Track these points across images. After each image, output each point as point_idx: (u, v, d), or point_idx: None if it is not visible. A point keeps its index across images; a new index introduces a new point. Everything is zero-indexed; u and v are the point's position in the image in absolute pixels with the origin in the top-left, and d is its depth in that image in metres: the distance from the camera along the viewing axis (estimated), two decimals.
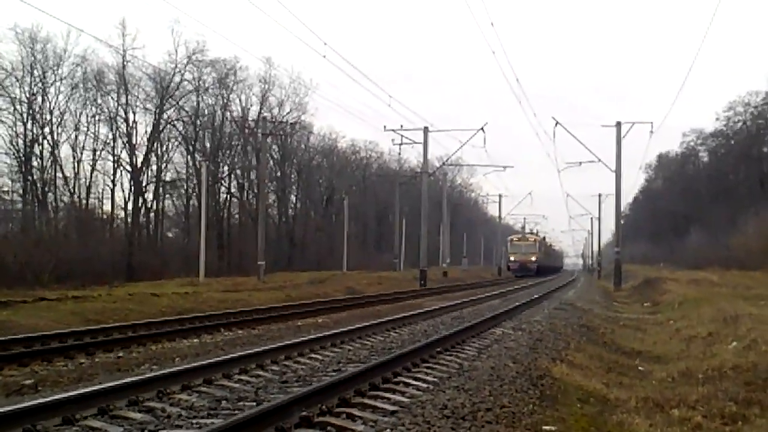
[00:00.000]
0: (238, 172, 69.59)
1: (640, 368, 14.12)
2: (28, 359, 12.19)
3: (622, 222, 53.73)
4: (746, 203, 64.02)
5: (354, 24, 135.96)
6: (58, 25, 68.95)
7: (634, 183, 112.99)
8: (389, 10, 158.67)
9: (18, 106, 51.77)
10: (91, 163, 57.34)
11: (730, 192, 72.73)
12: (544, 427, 7.87)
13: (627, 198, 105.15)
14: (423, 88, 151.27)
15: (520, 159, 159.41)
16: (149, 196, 61.39)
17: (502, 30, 66.78)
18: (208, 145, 64.81)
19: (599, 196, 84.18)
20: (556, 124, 45.74)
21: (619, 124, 45.27)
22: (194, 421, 7.34)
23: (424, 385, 9.45)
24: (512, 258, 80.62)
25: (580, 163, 54.03)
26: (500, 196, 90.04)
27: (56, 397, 7.91)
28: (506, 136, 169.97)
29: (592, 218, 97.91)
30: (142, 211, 60.68)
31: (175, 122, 62.41)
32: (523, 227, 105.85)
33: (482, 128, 46.84)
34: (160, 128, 60.51)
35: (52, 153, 54.54)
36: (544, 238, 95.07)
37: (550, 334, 16.37)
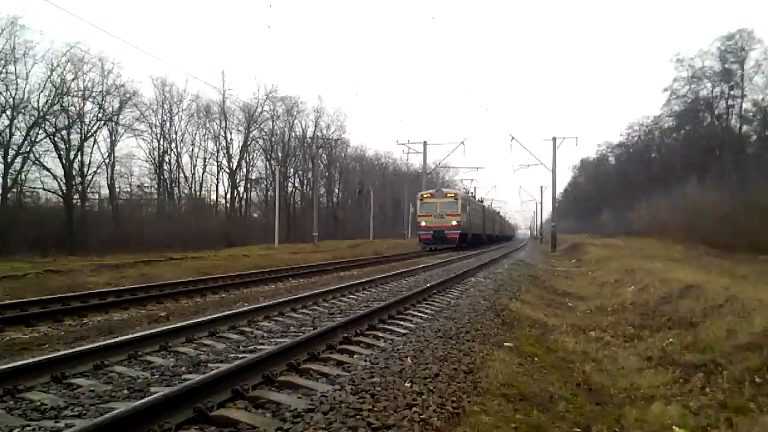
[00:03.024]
0: (300, 172, 70.00)
1: (569, 304, 14.13)
2: (163, 299, 12.38)
3: (557, 205, 53.38)
4: (641, 192, 63.65)
5: (377, 71, 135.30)
6: (179, 74, 69.71)
7: (565, 178, 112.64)
8: (397, 66, 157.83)
9: (153, 129, 52.79)
10: (202, 167, 58.34)
11: (630, 185, 72.04)
12: (505, 344, 7.91)
13: (560, 189, 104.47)
14: (423, 113, 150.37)
15: (488, 162, 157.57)
16: (241, 189, 62.13)
17: (477, 75, 66.51)
18: (280, 154, 65.17)
19: (541, 187, 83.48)
20: (512, 139, 45.95)
21: (554, 139, 44.90)
22: (272, 339, 7.40)
23: (424, 316, 9.48)
24: (423, 223, 37.93)
25: (528, 165, 54.55)
26: (475, 188, 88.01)
27: (180, 324, 8.01)
28: (478, 146, 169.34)
29: (536, 202, 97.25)
30: (236, 199, 61.32)
31: (258, 139, 62.85)
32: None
33: (462, 142, 46.52)
34: (248, 143, 61.04)
35: (176, 160, 55.49)
36: (472, 194, 51.94)
37: (508, 281, 16.34)
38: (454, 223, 37.14)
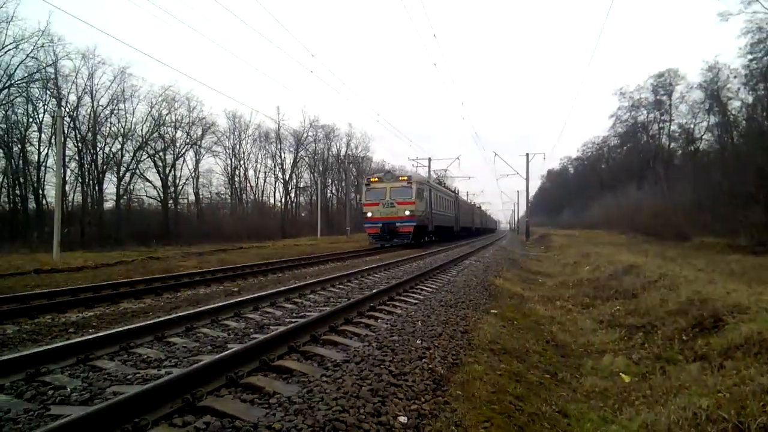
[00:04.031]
0: (336, 182, 69.84)
1: (539, 280, 14.03)
2: (235, 278, 12.32)
3: (529, 204, 52.84)
4: (593, 195, 62.80)
5: (394, 103, 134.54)
6: (246, 109, 70.40)
7: (536, 184, 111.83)
8: (408, 99, 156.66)
9: (227, 151, 52.95)
10: (263, 179, 58.65)
11: (585, 189, 71.09)
12: (492, 311, 7.86)
13: (532, 192, 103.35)
14: (428, 136, 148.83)
15: (477, 173, 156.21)
16: (292, 195, 61.92)
17: (469, 106, 65.88)
18: (321, 168, 65.22)
19: (518, 192, 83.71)
20: (495, 155, 45.82)
21: (527, 155, 44.42)
22: (317, 308, 7.37)
23: (429, 290, 9.39)
24: (369, 214, 22.88)
25: (508, 174, 55.01)
26: (467, 193, 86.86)
27: (248, 297, 7.97)
28: (470, 160, 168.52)
29: (514, 203, 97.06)
30: (289, 203, 61.25)
31: (304, 157, 62.85)
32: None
33: (457, 158, 46.69)
34: (297, 161, 60.96)
35: (244, 174, 55.47)
36: (440, 181, 36.52)
37: (493, 263, 16.19)
38: (408, 213, 22.64)
